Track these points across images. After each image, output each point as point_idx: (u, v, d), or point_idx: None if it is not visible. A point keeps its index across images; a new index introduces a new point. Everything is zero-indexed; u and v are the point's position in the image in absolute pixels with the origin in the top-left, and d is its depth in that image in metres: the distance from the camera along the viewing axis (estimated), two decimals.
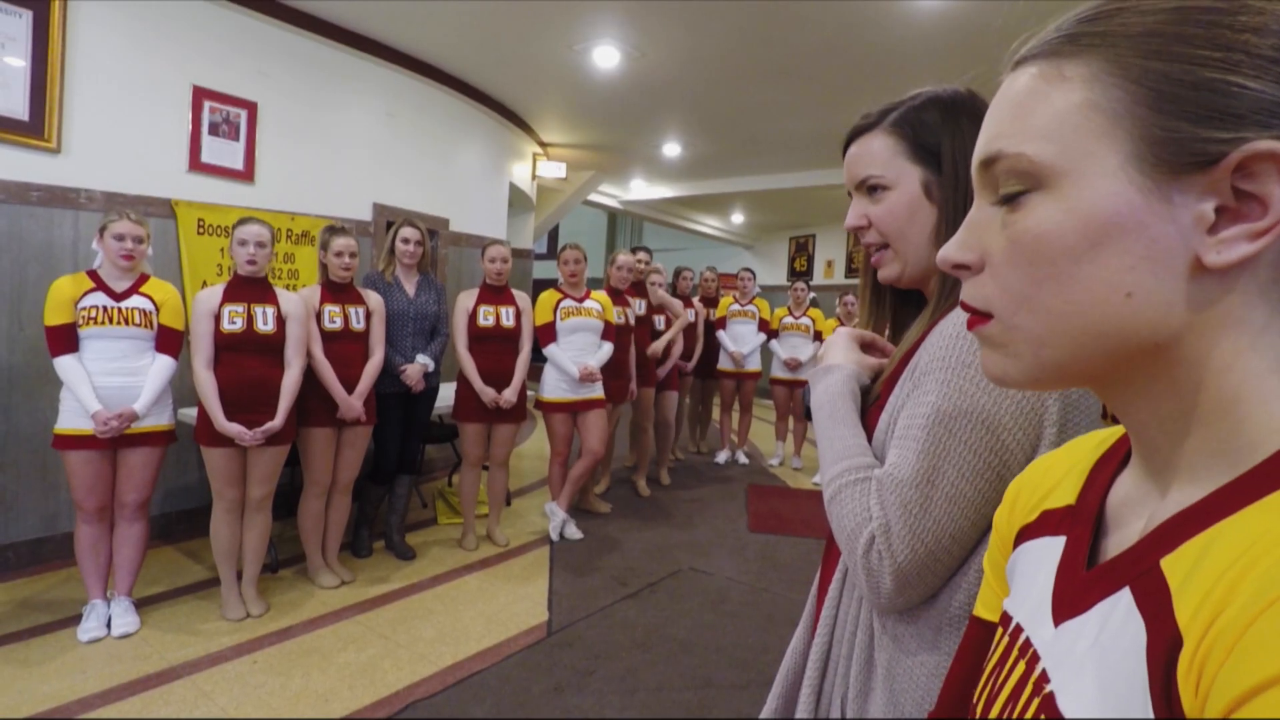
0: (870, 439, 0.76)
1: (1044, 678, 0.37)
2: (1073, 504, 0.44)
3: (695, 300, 5.44)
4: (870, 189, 0.78)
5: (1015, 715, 0.38)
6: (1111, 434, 0.47)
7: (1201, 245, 0.31)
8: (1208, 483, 0.33)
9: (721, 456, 5.81)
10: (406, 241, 3.31)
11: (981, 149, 0.38)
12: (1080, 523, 0.42)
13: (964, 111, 0.75)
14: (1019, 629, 0.42)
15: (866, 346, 0.88)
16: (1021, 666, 0.40)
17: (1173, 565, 0.31)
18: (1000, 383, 0.39)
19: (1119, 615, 0.33)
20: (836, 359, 0.85)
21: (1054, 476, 0.49)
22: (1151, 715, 0.29)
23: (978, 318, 0.39)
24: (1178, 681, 0.28)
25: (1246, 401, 0.32)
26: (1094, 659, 0.33)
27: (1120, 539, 0.39)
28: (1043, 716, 0.35)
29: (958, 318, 0.66)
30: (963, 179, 0.74)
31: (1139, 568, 0.33)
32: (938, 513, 0.65)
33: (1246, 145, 0.30)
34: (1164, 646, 0.29)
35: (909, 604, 0.68)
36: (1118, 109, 0.33)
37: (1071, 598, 0.38)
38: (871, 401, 0.80)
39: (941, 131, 0.75)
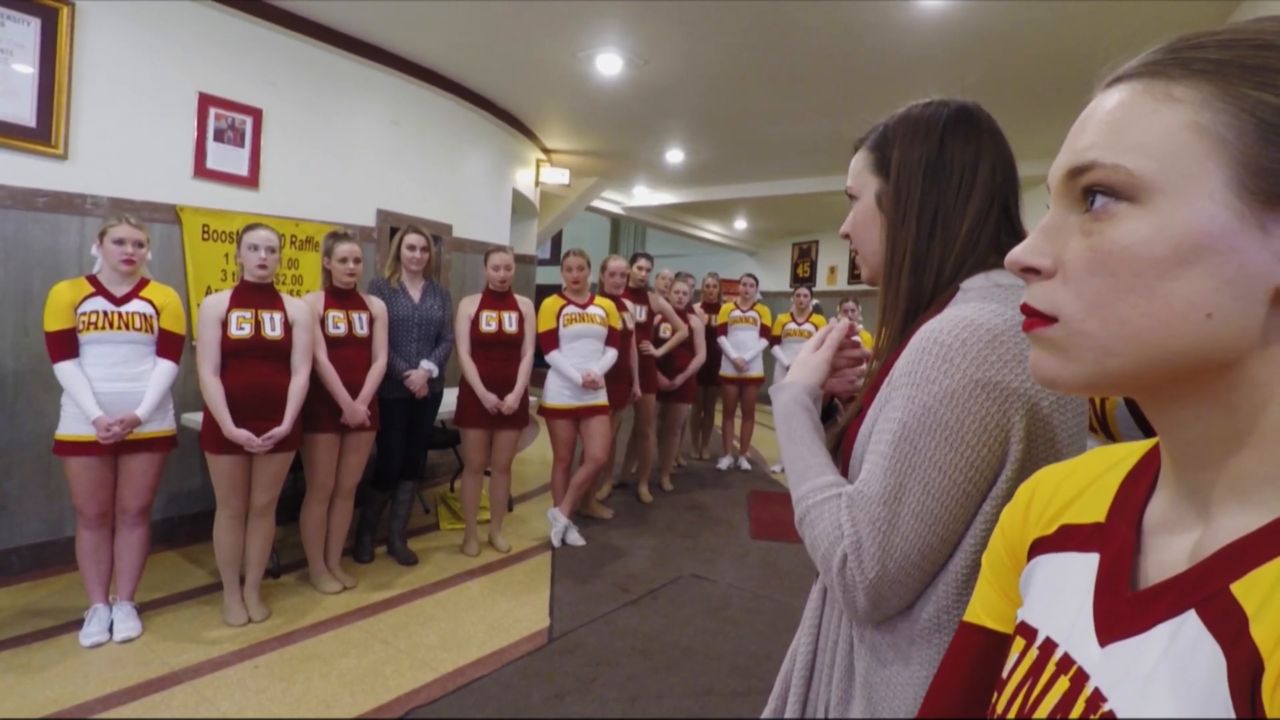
0: (851, 450, 0.77)
1: (1098, 696, 0.37)
2: (1101, 522, 0.44)
3: (696, 306, 5.41)
4: (851, 199, 0.84)
5: None
6: (1130, 452, 0.46)
7: None
8: (1262, 508, 0.34)
9: (724, 463, 5.81)
10: (412, 248, 3.32)
11: (1072, 158, 0.38)
12: (1117, 543, 0.42)
13: (930, 125, 0.77)
14: (1051, 644, 0.42)
15: (842, 346, 0.89)
16: (1064, 683, 0.40)
17: (1246, 590, 0.32)
18: (1050, 385, 0.40)
19: (1186, 638, 0.33)
20: (791, 374, 0.87)
21: (1071, 489, 0.48)
22: None
23: (1039, 320, 0.39)
24: (1263, 703, 0.28)
25: None
26: (1164, 681, 0.33)
27: (1161, 561, 0.39)
28: None
29: (927, 330, 0.67)
30: (904, 189, 0.77)
31: (1203, 591, 0.34)
32: (906, 530, 0.66)
33: None
34: (1245, 670, 0.29)
35: (885, 616, 0.69)
36: (1225, 135, 0.33)
37: (1118, 618, 0.38)
38: (854, 413, 0.81)
39: (894, 144, 0.78)
